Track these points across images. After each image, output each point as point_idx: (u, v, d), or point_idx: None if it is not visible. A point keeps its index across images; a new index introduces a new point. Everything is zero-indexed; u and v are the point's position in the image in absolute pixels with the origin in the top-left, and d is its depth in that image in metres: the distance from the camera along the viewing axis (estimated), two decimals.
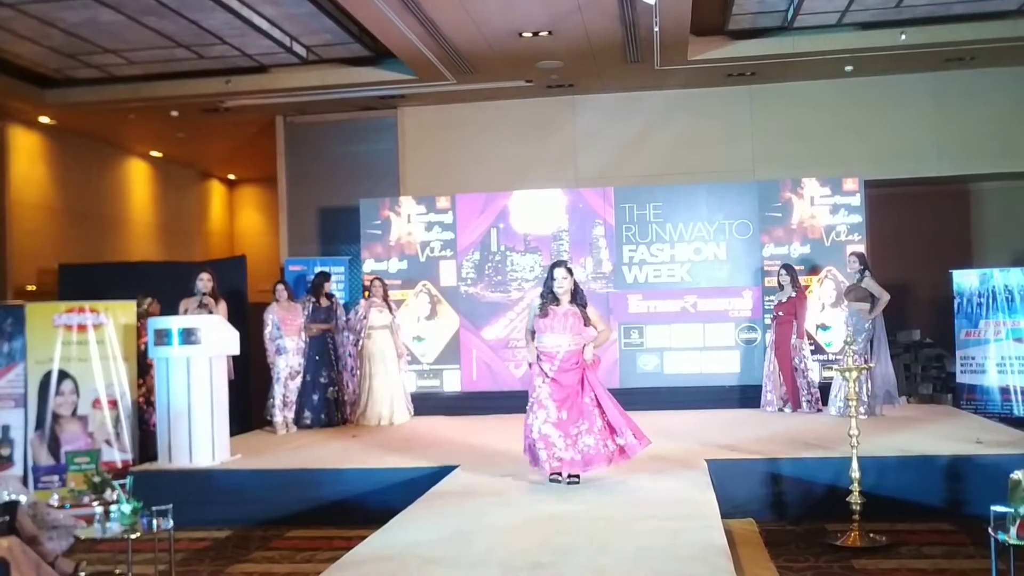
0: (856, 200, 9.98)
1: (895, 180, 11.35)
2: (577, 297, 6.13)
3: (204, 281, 8.52)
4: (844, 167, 10.69)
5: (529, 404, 6.08)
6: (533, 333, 6.15)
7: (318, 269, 10.02)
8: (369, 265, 10.61)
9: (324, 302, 9.48)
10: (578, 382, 6.00)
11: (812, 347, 9.51)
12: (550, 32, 9.18)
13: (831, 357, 9.61)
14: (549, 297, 6.09)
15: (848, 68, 10.77)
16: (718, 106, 11.49)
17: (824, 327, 9.80)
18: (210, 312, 8.25)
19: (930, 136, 11.17)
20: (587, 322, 6.11)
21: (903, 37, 9.77)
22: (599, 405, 6.01)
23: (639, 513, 5.19)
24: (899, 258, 11.39)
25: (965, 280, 9.73)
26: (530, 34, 9.23)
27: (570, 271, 6.13)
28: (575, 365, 5.99)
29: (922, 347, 11.11)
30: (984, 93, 11.00)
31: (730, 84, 11.31)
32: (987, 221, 12.02)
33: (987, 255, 11.62)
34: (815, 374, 9.36)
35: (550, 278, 6.10)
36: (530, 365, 6.22)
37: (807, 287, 9.71)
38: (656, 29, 8.64)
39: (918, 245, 11.76)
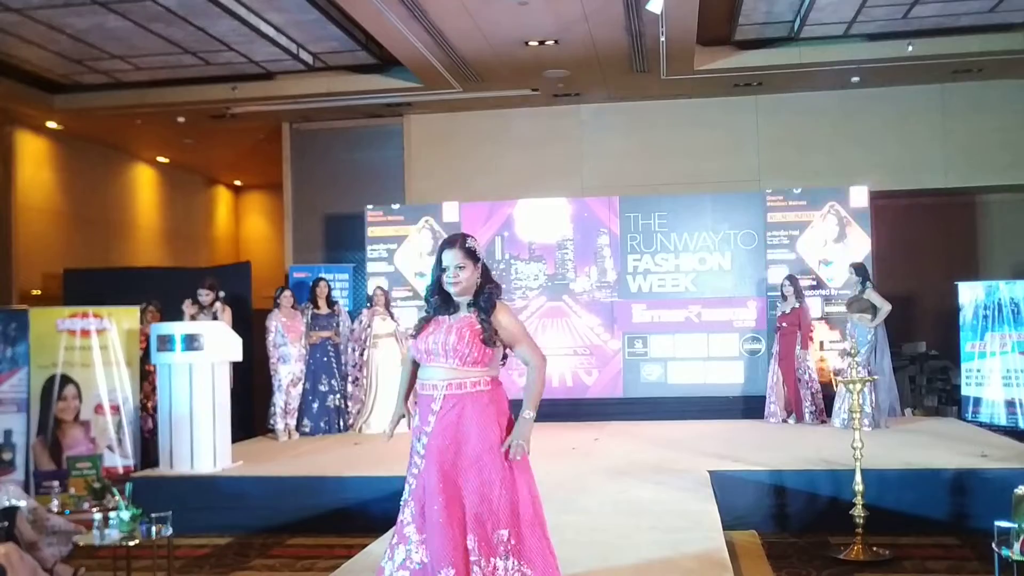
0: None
1: (901, 191, 11.33)
2: (481, 297, 3.46)
3: (203, 296, 8.58)
4: (850, 178, 10.67)
5: (400, 517, 3.46)
6: (416, 365, 3.60)
7: (319, 276, 10.02)
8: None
9: (324, 309, 9.45)
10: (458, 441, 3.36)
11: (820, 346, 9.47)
12: (556, 41, 9.19)
13: (836, 362, 9.55)
14: (436, 301, 3.52)
15: (855, 79, 10.75)
16: (724, 116, 11.48)
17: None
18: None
19: (937, 148, 11.14)
20: (491, 339, 3.41)
21: (910, 48, 9.75)
22: (515, 492, 3.38)
23: (640, 524, 5.17)
24: (905, 270, 11.36)
25: (971, 292, 9.68)
26: (536, 43, 9.24)
27: (472, 254, 3.45)
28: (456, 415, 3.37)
29: (927, 359, 11.06)
30: (991, 105, 10.97)
31: (736, 94, 11.30)
32: (993, 233, 11.99)
33: (993, 267, 11.58)
34: (819, 383, 9.31)
35: (438, 266, 3.49)
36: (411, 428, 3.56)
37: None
38: (662, 39, 8.64)
39: (924, 257, 11.72)
